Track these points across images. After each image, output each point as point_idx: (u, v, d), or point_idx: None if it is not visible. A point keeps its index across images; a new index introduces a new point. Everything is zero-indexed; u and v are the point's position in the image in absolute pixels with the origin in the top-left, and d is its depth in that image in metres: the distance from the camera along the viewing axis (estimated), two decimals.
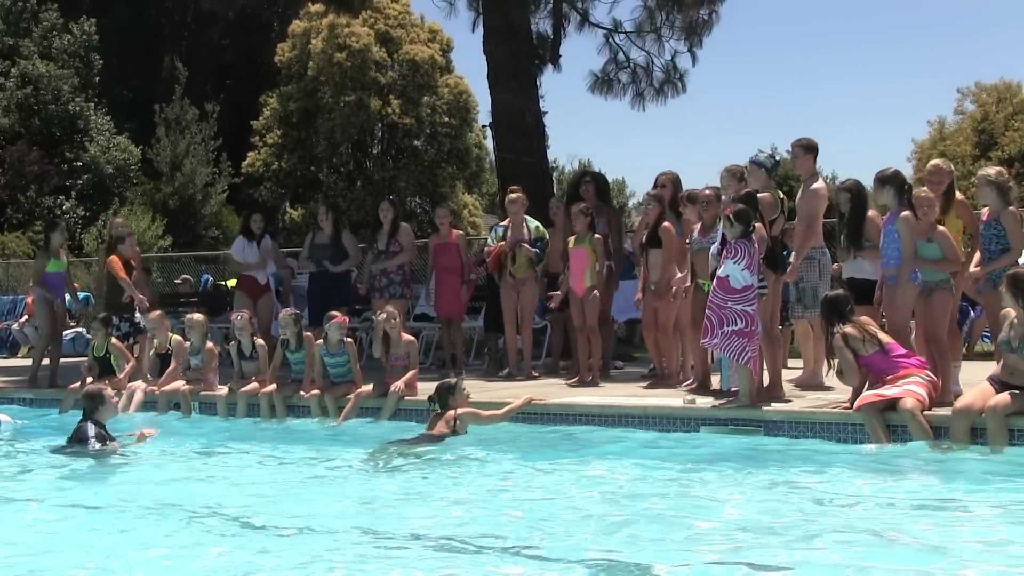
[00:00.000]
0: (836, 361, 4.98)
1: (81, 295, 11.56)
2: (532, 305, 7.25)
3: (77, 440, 5.36)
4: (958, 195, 5.63)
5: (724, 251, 5.18)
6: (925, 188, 5.34)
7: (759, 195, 5.53)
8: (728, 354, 5.18)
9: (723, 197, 5.87)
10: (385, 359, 6.21)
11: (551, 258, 7.20)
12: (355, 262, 7.84)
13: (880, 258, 5.14)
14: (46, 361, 7.96)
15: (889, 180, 5.12)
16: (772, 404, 5.22)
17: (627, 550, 3.25)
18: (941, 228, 5.17)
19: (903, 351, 4.89)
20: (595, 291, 6.64)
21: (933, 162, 5.64)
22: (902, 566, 3.00)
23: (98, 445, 5.32)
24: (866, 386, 4.88)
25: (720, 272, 5.16)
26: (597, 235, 6.71)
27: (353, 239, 8.00)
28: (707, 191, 5.90)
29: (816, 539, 3.33)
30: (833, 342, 4.90)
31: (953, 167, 5.72)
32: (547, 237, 7.24)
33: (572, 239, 6.77)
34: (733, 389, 5.32)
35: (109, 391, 5.63)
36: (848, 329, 4.87)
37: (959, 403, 4.54)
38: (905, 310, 5.06)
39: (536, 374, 7.17)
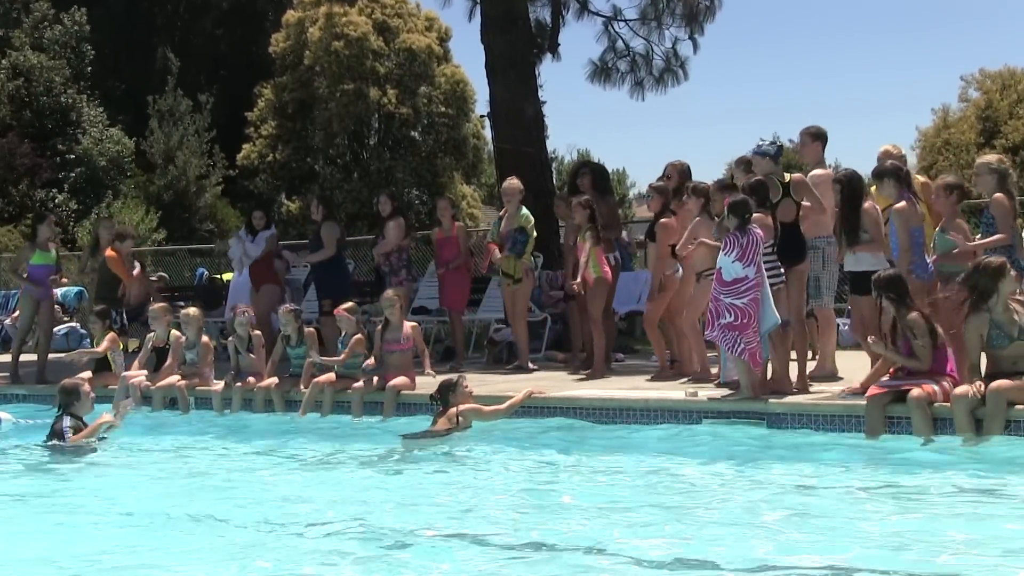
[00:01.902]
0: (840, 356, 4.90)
1: (75, 290, 11.45)
2: (525, 299, 7.20)
3: (56, 436, 5.29)
4: (920, 178, 5.59)
5: (723, 246, 5.14)
6: (941, 177, 5.30)
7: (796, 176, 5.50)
8: (723, 346, 5.15)
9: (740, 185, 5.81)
10: (380, 344, 6.16)
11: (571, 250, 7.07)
12: (328, 254, 7.60)
13: (888, 250, 5.12)
14: (28, 357, 7.89)
15: (887, 173, 5.11)
16: (775, 397, 5.16)
17: (628, 543, 3.24)
18: (959, 220, 5.11)
19: (949, 355, 4.78)
20: (600, 282, 6.59)
21: (883, 148, 5.56)
22: (906, 558, 2.99)
23: (72, 437, 5.25)
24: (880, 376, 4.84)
25: (717, 264, 5.13)
26: (591, 225, 6.66)
27: (332, 231, 7.66)
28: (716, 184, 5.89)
29: (819, 530, 3.32)
30: (910, 321, 4.66)
31: (903, 151, 5.65)
32: (530, 225, 7.13)
33: (580, 234, 6.70)
34: (732, 379, 5.26)
35: (87, 387, 5.56)
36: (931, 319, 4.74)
37: (957, 390, 4.54)
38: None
39: (534, 367, 7.12)
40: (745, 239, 5.03)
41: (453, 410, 5.36)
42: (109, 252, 7.72)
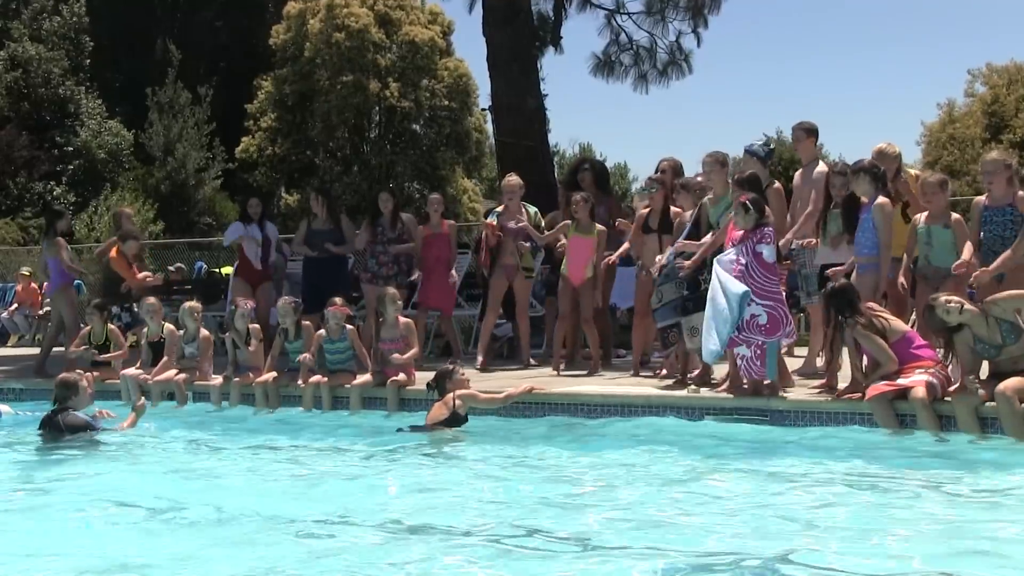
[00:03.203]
0: (846, 354, 4.88)
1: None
2: (527, 293, 7.14)
3: (70, 429, 5.25)
4: (913, 172, 5.64)
5: (753, 238, 5.01)
6: (930, 173, 5.28)
7: (775, 187, 5.48)
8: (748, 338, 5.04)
9: (697, 181, 5.82)
10: (376, 342, 6.11)
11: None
12: (351, 248, 7.67)
13: (854, 245, 5.10)
14: (29, 351, 7.84)
15: (863, 169, 5.10)
16: (778, 393, 5.13)
17: (630, 542, 3.21)
18: (956, 216, 5.08)
19: (923, 342, 4.80)
20: (594, 282, 6.55)
21: (877, 146, 5.55)
22: (910, 556, 2.96)
23: (97, 427, 5.25)
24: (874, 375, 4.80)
25: (767, 258, 5.01)
26: (602, 228, 6.61)
27: (351, 225, 7.80)
28: (700, 179, 5.83)
29: (823, 529, 3.29)
30: (856, 332, 4.77)
31: (899, 150, 5.63)
32: (543, 223, 7.11)
33: (571, 225, 6.62)
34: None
35: (85, 382, 5.52)
36: (880, 316, 4.77)
37: (960, 393, 4.53)
38: (877, 298, 5.02)
39: (535, 363, 7.08)
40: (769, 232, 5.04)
41: (450, 396, 5.33)
42: (113, 253, 7.72)
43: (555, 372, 6.49)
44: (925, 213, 5.09)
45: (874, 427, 4.68)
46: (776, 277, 5.06)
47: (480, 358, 6.92)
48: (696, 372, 5.66)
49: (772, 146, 5.81)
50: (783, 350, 5.42)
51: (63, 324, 7.77)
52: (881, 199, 5.00)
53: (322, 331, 6.36)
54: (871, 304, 4.86)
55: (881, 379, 4.72)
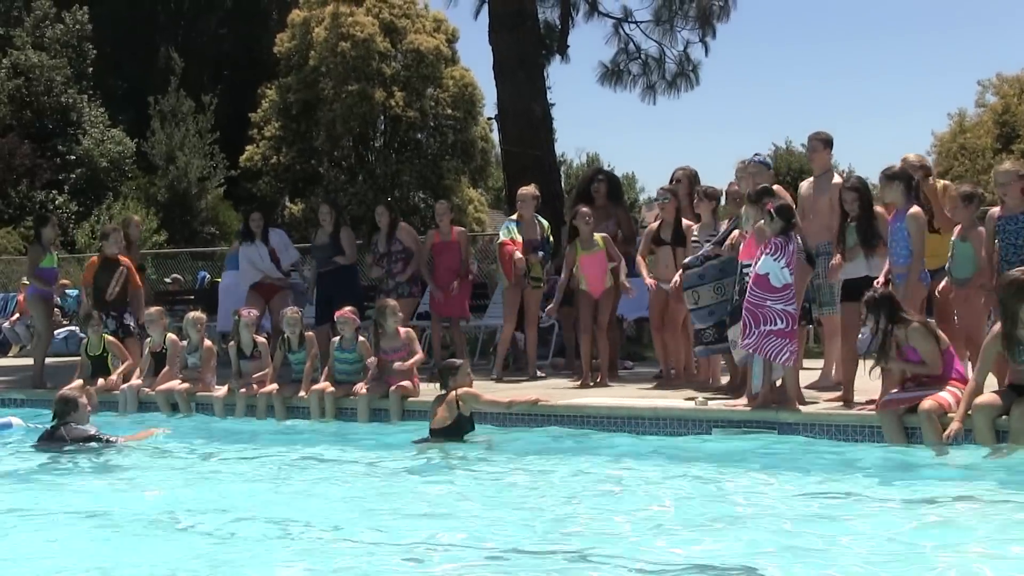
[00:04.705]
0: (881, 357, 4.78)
1: (74, 292, 11.35)
2: (537, 304, 7.10)
3: (75, 441, 5.23)
4: (939, 182, 5.63)
5: (760, 248, 5.01)
6: (958, 184, 5.26)
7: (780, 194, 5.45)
8: (764, 355, 5.02)
9: (735, 189, 5.81)
10: (376, 351, 6.09)
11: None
12: (350, 260, 7.59)
13: (889, 256, 5.06)
14: (26, 360, 7.77)
15: (897, 176, 5.05)
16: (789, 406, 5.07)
17: (635, 553, 3.17)
18: (979, 228, 5.05)
19: (955, 357, 4.76)
20: (615, 289, 6.51)
21: (904, 157, 5.52)
22: (915, 569, 2.92)
23: (103, 438, 5.23)
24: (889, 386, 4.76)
25: (759, 270, 5.00)
26: (606, 234, 6.57)
27: (351, 236, 7.72)
28: (734, 187, 5.82)
29: (829, 541, 3.26)
30: (910, 331, 4.64)
31: (921, 158, 5.63)
32: (552, 237, 7.13)
33: (578, 243, 6.54)
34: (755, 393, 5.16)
35: (84, 400, 5.51)
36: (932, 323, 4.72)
37: (978, 400, 4.46)
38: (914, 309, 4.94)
39: (542, 374, 7.03)
40: (792, 245, 4.96)
41: (452, 395, 5.22)
42: (92, 259, 7.65)
43: (584, 384, 6.39)
44: (959, 226, 5.10)
45: (882, 440, 4.65)
46: (771, 293, 4.94)
47: (498, 369, 6.90)
48: (725, 382, 5.63)
49: (769, 161, 6.08)
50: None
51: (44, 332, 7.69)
52: (914, 208, 4.96)
53: (335, 339, 6.31)
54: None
55: (895, 391, 4.66)
